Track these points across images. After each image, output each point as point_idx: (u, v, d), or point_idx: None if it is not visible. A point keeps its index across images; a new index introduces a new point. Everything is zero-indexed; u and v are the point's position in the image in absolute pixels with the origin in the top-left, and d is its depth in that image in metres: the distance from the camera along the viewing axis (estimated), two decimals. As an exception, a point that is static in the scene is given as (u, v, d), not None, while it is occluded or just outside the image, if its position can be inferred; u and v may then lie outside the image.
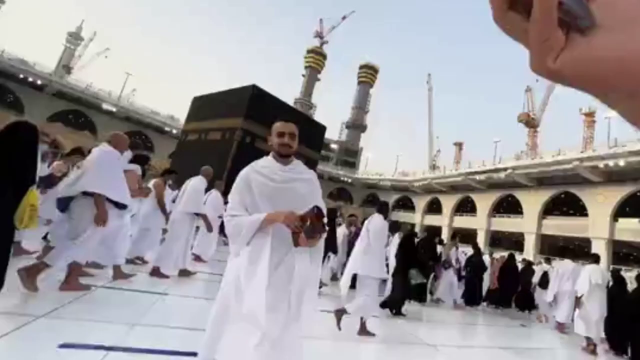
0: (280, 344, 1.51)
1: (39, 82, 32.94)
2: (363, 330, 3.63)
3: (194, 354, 2.05)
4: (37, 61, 34.93)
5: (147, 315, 2.97)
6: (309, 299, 1.64)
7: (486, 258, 9.13)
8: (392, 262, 5.86)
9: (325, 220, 1.64)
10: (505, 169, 30.39)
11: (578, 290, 5.51)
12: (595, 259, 5.86)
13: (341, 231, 7.59)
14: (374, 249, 3.80)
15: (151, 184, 5.14)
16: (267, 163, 1.79)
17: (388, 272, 5.54)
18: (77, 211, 3.26)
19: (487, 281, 8.10)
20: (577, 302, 5.49)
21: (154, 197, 4.97)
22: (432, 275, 6.94)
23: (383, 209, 4.16)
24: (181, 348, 2.37)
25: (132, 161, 4.45)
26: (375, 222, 3.95)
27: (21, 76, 32.03)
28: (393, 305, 5.06)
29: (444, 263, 7.15)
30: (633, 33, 0.18)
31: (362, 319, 3.67)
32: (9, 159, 2.44)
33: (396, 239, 6.73)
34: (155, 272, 4.48)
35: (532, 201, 29.76)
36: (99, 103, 35.84)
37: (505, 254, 9.74)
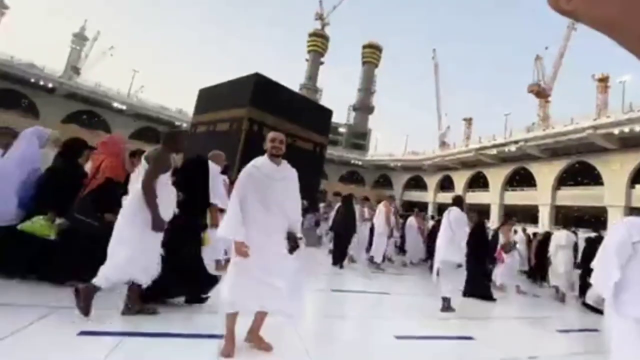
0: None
1: (50, 85, 33.73)
2: (447, 308, 4.18)
3: (213, 336, 2.35)
4: (45, 64, 35.77)
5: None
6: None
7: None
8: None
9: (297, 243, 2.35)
10: (516, 142, 29.89)
11: (550, 251, 6.98)
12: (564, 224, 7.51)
13: (359, 213, 7.57)
14: (458, 238, 4.32)
15: None
16: (264, 162, 2.35)
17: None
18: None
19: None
20: (548, 260, 7.07)
21: None
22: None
23: (459, 202, 4.67)
24: (198, 331, 2.53)
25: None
26: (455, 214, 4.44)
27: (32, 80, 32.81)
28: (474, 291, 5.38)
29: (506, 246, 6.69)
30: None
31: (447, 298, 4.22)
32: (197, 188, 3.19)
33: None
34: None
35: (546, 172, 29.34)
36: (109, 102, 36.53)
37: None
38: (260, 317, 2.32)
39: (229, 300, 2.16)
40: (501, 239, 6.88)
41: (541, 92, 38.79)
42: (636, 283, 1.84)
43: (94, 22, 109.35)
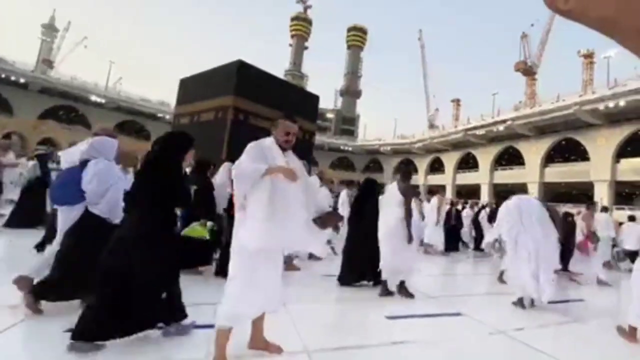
0: None
1: (22, 80, 32.13)
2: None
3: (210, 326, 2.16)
4: (15, 58, 33.90)
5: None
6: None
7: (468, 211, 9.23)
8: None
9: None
10: (504, 121, 30.06)
11: None
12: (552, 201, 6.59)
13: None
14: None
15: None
16: (272, 146, 2.08)
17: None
18: None
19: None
20: None
21: None
22: None
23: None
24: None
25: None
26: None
27: (3, 76, 31.20)
28: None
29: (592, 236, 5.72)
30: None
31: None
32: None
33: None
34: None
35: (534, 150, 29.67)
36: (86, 95, 35.11)
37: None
38: (260, 319, 2.14)
39: (233, 314, 1.90)
40: (583, 228, 5.83)
41: (528, 70, 38.88)
42: None
43: (63, 12, 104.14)
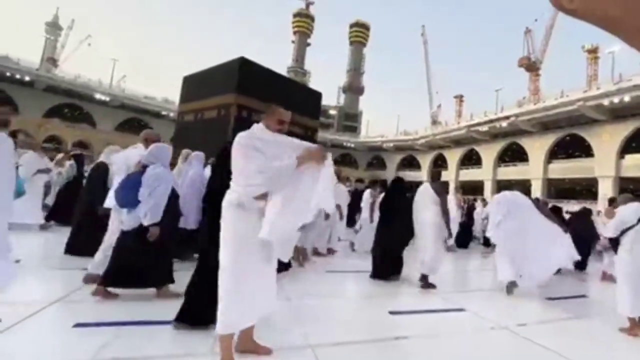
0: None
1: (27, 78, 32.32)
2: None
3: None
4: (20, 57, 34.08)
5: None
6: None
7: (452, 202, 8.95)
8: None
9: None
10: (507, 117, 29.88)
11: None
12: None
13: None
14: None
15: None
16: (262, 133, 1.97)
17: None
18: None
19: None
20: None
21: None
22: None
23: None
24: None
25: None
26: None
27: (8, 74, 31.41)
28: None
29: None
30: None
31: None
32: None
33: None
34: None
35: (537, 146, 29.51)
36: (91, 93, 35.29)
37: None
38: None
39: (228, 323, 1.84)
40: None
41: (531, 66, 38.54)
42: None
43: (67, 10, 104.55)
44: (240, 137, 1.90)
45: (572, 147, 28.52)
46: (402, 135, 43.17)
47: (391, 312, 3.15)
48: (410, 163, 43.50)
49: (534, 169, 29.44)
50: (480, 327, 3.01)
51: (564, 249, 4.16)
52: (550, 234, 4.18)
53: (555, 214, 5.63)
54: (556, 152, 29.53)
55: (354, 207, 7.79)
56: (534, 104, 29.40)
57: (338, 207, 5.58)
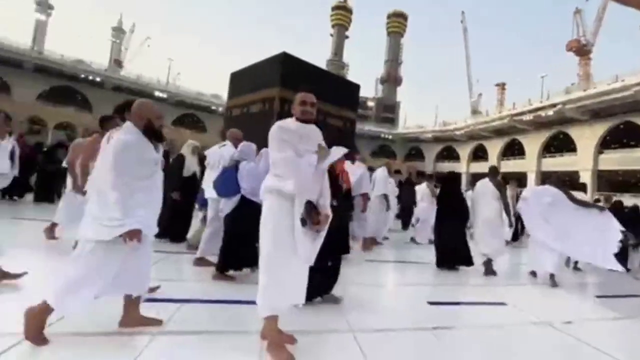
0: None
1: (98, 79, 36.75)
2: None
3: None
4: (92, 60, 38.81)
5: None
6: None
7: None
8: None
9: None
10: (554, 105, 28.63)
11: None
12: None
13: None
14: None
15: None
16: (289, 124, 2.00)
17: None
18: None
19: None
20: None
21: None
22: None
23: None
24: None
25: None
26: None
27: (82, 76, 35.92)
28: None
29: None
30: None
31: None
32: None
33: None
34: None
35: (587, 136, 28.02)
36: (151, 91, 39.05)
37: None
38: None
39: (268, 306, 1.87)
40: None
41: (581, 49, 35.92)
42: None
43: (130, 15, 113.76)
44: (272, 129, 1.95)
45: (627, 136, 26.72)
46: (441, 126, 42.59)
47: (430, 303, 3.17)
48: (450, 154, 42.86)
49: (583, 159, 28.01)
50: (522, 322, 2.95)
51: (609, 234, 4.02)
52: (588, 220, 4.10)
53: (616, 211, 5.12)
54: (608, 142, 27.84)
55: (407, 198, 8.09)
56: (584, 91, 27.86)
57: (386, 197, 5.85)
